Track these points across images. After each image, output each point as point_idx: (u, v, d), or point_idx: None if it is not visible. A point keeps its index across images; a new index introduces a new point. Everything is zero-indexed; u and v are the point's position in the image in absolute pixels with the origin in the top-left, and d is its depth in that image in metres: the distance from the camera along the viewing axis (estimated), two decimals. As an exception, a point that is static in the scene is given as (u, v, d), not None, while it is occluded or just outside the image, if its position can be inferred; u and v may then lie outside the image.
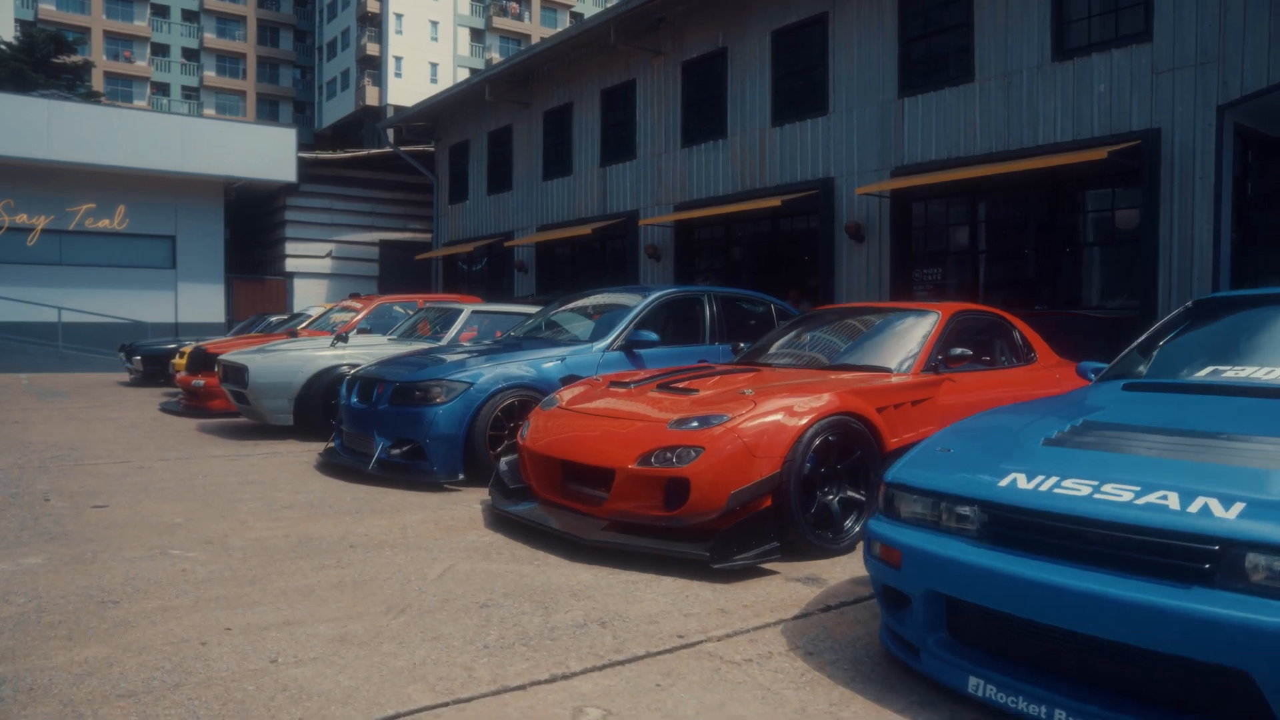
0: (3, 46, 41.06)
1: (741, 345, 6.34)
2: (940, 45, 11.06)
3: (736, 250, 14.20)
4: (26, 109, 18.20)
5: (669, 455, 4.06)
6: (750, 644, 3.09)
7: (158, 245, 20.43)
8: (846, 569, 4.07)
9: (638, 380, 5.04)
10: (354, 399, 6.32)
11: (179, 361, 12.54)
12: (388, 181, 22.85)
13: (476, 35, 60.00)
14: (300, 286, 22.15)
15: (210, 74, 65.07)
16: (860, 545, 4.41)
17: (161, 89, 63.94)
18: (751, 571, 3.91)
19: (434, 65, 57.91)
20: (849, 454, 4.39)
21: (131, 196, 19.89)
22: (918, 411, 4.78)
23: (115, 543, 4.26)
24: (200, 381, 9.97)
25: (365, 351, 8.24)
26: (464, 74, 60.05)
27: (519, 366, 6.11)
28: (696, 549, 3.90)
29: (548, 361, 6.24)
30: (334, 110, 60.12)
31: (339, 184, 22.41)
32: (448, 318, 9.06)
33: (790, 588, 3.76)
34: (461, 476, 5.77)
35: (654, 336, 6.57)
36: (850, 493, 4.41)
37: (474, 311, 9.01)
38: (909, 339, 5.34)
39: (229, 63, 66.02)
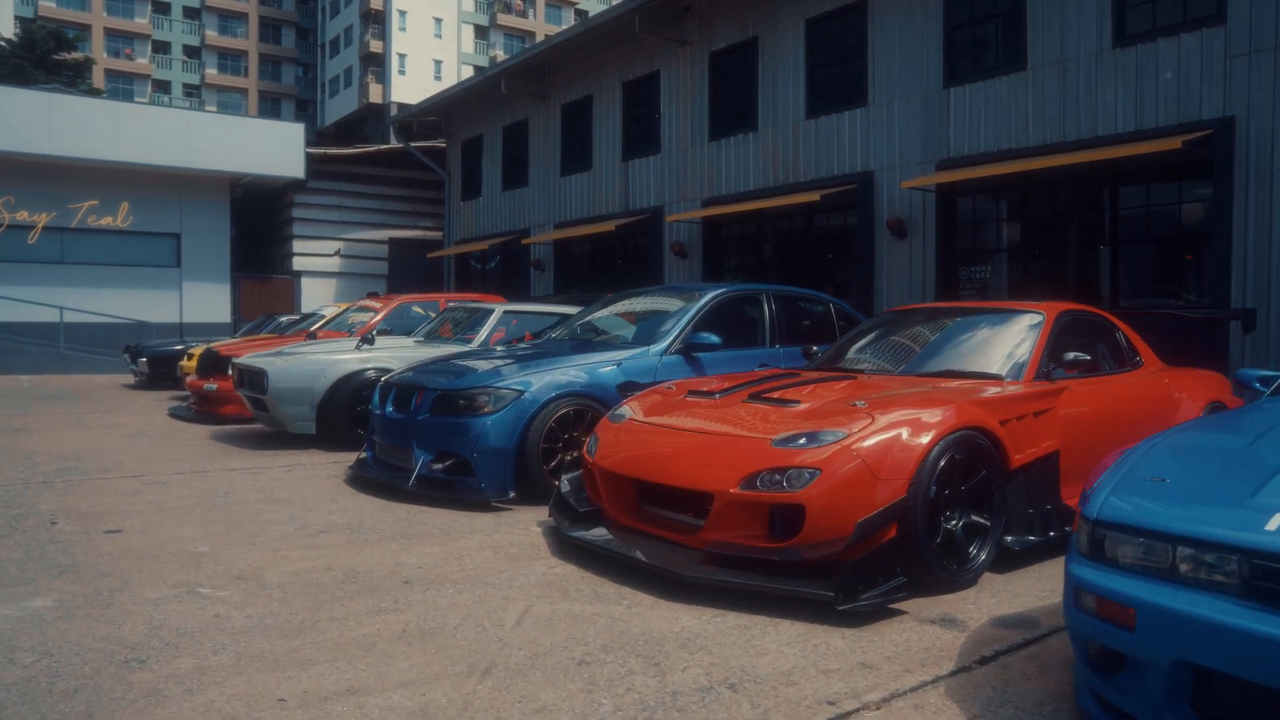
0: (2, 43, 40.53)
1: (814, 349, 5.78)
2: (989, 32, 10.50)
3: (767, 247, 13.64)
4: (27, 103, 17.63)
5: (777, 478, 3.51)
6: (917, 712, 2.54)
7: (162, 243, 19.87)
8: (980, 606, 3.52)
9: (723, 389, 4.48)
10: (390, 408, 5.75)
11: (188, 364, 11.99)
12: (397, 178, 22.30)
13: (481, 32, 59.45)
14: (308, 286, 21.58)
15: (212, 71, 64.52)
16: (983, 577, 3.88)
17: (163, 87, 63.38)
18: (878, 612, 3.36)
19: (438, 63, 57.37)
20: (973, 474, 3.84)
21: (135, 193, 19.33)
22: (1040, 424, 4.22)
23: (134, 578, 3.70)
24: (212, 385, 9.41)
25: (392, 355, 7.69)
26: (468, 71, 59.52)
27: (571, 372, 5.55)
28: (818, 588, 3.35)
29: (603, 366, 5.69)
30: (337, 108, 59.54)
31: (347, 181, 21.85)
32: (476, 319, 8.51)
33: (928, 632, 3.21)
34: (512, 494, 5.21)
35: (716, 339, 6.02)
36: (974, 517, 3.86)
37: (505, 312, 8.46)
38: (1013, 343, 4.78)
39: (230, 60, 65.48)
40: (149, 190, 19.43)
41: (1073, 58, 9.53)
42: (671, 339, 6.08)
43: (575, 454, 5.43)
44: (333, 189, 21.66)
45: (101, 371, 18.06)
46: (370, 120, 54.87)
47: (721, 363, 6.14)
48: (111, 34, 61.55)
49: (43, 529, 4.55)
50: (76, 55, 43.61)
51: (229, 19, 65.74)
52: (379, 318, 10.22)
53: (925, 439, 3.61)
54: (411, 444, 5.47)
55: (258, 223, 22.75)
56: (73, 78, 40.84)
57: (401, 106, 51.30)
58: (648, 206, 14.78)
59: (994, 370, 4.59)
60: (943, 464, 3.64)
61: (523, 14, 61.02)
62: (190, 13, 65.08)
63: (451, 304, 9.70)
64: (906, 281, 11.15)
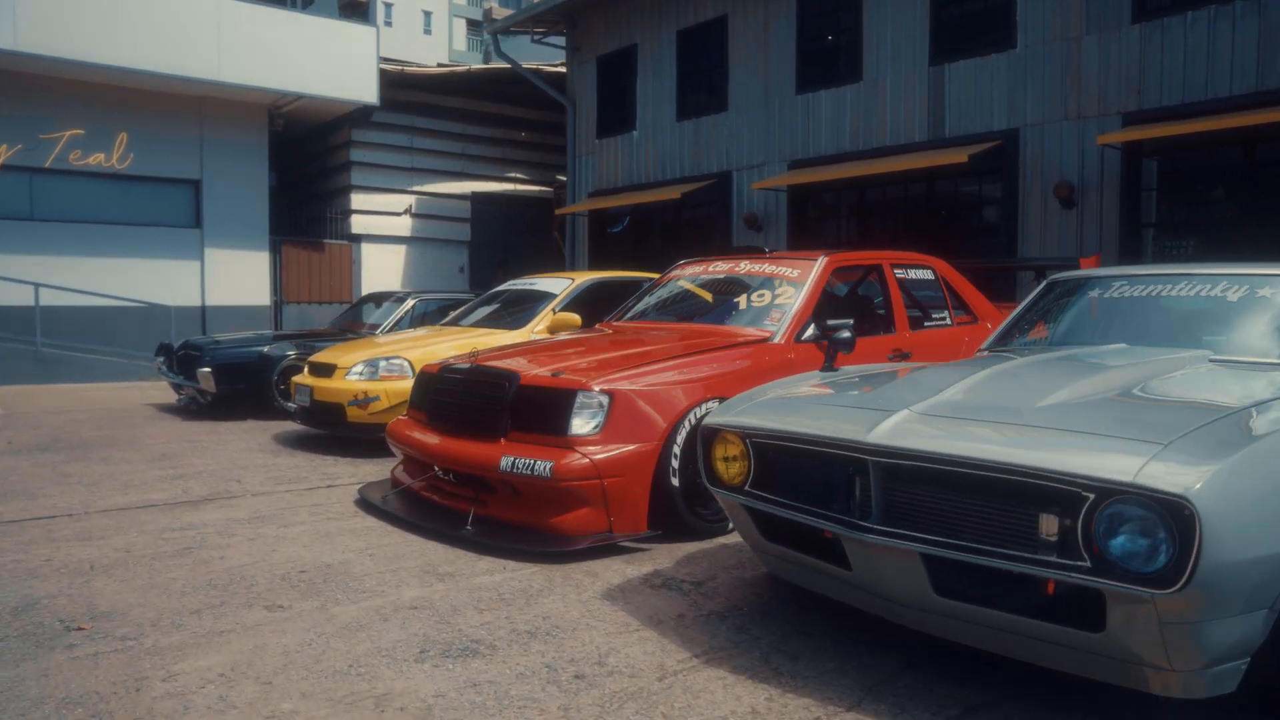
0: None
1: None
2: None
3: (1259, 187, 8.54)
4: (-22, -27, 11.65)
5: None
6: None
7: (175, 193, 13.99)
8: None
9: None
10: None
11: (326, 385, 6.54)
12: (479, 113, 16.77)
13: (474, -19, 53.18)
14: (369, 254, 15.95)
15: (162, 18, 56.79)
16: None
17: (105, 34, 55.50)
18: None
19: (428, 14, 51.36)
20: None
21: (138, 119, 13.44)
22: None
23: None
24: (539, 465, 4.05)
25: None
26: (460, 25, 53.33)
27: None
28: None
29: None
30: (311, 61, 52.67)
31: (421, 114, 16.21)
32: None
33: None
34: None
35: None
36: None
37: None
38: None
39: (184, 6, 57.77)
40: (157, 115, 13.57)
41: None
42: None
43: None
44: (403, 124, 16.00)
45: (98, 378, 12.28)
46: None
47: None
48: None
49: None
50: None
51: (181, -41, 57.99)
52: (810, 295, 4.99)
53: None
54: None
55: (298, 170, 16.93)
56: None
57: (389, 61, 44.94)
58: (988, 130, 9.65)
59: None
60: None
61: (520, -40, 54.82)
62: (136, -50, 57.19)
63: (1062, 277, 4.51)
64: None
